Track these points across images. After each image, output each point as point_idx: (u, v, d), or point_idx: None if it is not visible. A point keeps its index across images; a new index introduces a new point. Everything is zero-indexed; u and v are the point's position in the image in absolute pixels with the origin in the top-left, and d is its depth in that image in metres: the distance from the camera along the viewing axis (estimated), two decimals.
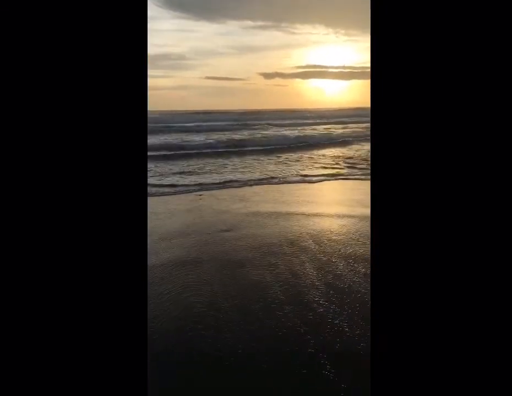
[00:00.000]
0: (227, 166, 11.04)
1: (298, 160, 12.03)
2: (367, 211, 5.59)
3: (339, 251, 4.26)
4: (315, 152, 14.08)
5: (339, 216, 5.67)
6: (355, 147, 15.92)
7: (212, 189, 8.00)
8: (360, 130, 24.52)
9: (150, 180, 8.65)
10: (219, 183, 8.51)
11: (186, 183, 8.58)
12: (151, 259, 4.07)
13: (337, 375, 2.29)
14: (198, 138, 19.24)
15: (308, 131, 24.36)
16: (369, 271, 3.56)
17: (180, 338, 2.68)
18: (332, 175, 9.44)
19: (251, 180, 8.81)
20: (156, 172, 9.81)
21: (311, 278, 3.57)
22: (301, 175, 9.43)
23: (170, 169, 10.45)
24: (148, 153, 11.63)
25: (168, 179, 9.15)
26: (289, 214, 5.81)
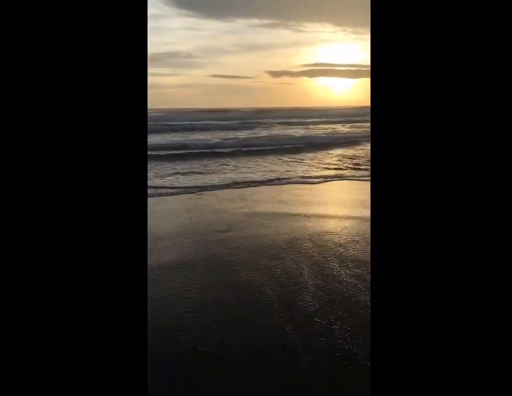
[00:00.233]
0: (230, 166, 10.89)
1: (304, 160, 11.86)
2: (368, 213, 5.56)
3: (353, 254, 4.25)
4: (322, 152, 13.84)
5: (347, 217, 5.63)
6: (365, 147, 15.67)
7: (213, 189, 7.90)
8: (368, 129, 24.26)
9: (149, 181, 8.56)
10: (221, 183, 8.38)
11: (186, 183, 8.45)
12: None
13: (337, 375, 2.29)
14: (203, 137, 19.18)
15: (315, 130, 24.24)
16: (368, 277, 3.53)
17: (174, 338, 2.69)
18: (338, 176, 9.30)
19: (254, 181, 8.66)
20: (157, 174, 9.57)
21: (308, 280, 3.54)
22: (310, 176, 9.22)
23: (173, 169, 10.29)
24: (151, 153, 11.41)
25: (168, 178, 8.99)
26: (290, 215, 5.76)
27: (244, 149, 14.33)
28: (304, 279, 3.58)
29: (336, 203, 6.78)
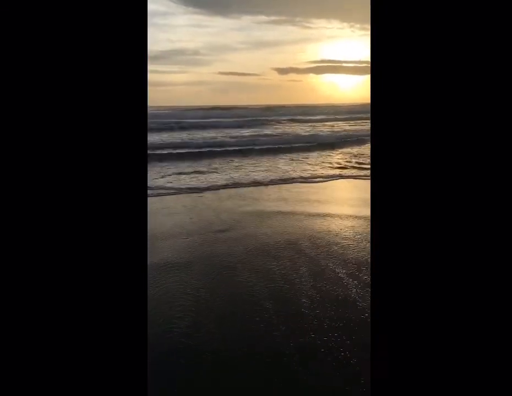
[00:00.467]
0: (235, 165, 10.74)
1: (310, 159, 11.70)
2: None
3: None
4: (329, 151, 13.61)
5: (352, 217, 5.61)
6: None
7: (216, 189, 7.77)
8: None
9: (154, 181, 8.41)
10: (223, 183, 8.23)
11: (188, 182, 8.31)
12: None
13: (337, 375, 2.29)
14: (208, 135, 19.08)
15: (325, 127, 24.09)
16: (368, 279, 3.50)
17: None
18: (344, 175, 9.17)
19: (256, 181, 8.49)
20: (160, 173, 9.43)
21: (307, 284, 3.49)
22: (318, 176, 9.05)
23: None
24: (152, 152, 11.21)
25: (169, 178, 8.82)
26: (291, 214, 5.72)
27: (256, 147, 14.03)
28: (304, 284, 3.56)
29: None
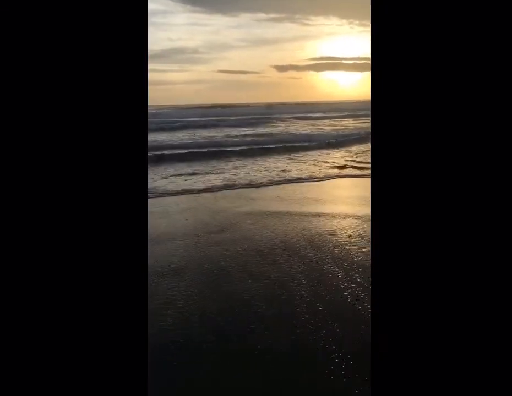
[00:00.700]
0: (235, 165, 10.53)
1: (313, 158, 11.49)
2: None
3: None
4: (331, 149, 13.40)
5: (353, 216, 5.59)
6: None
7: (214, 190, 7.60)
8: None
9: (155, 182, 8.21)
10: (222, 184, 8.06)
11: (187, 184, 8.12)
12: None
13: (337, 375, 2.29)
14: (208, 134, 19.02)
15: (324, 125, 24.01)
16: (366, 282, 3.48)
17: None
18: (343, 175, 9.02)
19: (254, 181, 8.29)
20: (157, 174, 9.19)
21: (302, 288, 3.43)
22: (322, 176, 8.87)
23: (175, 170, 9.89)
24: (150, 153, 10.82)
25: (166, 181, 8.57)
26: (288, 214, 5.66)
27: (262, 146, 13.70)
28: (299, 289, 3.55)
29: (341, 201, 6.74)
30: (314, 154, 12.45)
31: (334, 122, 27.14)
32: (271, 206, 6.16)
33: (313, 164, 10.44)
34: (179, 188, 7.75)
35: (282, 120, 30.06)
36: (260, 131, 20.48)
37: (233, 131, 20.60)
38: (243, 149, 13.30)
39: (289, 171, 9.47)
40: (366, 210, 5.72)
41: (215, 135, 19.03)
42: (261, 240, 4.62)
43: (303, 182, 8.25)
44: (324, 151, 12.99)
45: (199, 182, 8.35)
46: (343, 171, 9.35)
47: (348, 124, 25.46)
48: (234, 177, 8.81)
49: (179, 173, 9.43)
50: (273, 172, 9.35)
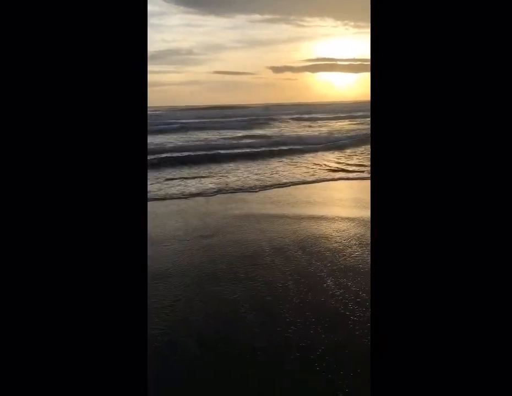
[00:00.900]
0: (228, 168, 10.27)
1: (306, 161, 11.29)
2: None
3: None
4: (323, 152, 13.14)
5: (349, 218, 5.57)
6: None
7: (207, 195, 7.35)
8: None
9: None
10: (215, 187, 7.84)
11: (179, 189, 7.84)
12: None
13: (337, 375, 2.29)
14: (203, 137, 18.85)
15: (320, 128, 23.96)
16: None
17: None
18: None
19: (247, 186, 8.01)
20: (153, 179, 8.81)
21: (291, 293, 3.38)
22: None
23: (168, 173, 9.58)
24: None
25: (160, 185, 8.28)
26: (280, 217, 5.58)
27: (257, 150, 13.33)
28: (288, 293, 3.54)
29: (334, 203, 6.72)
30: (308, 156, 12.25)
31: (329, 124, 27.13)
32: (265, 209, 6.06)
33: (306, 167, 10.25)
34: (170, 192, 7.54)
35: (278, 121, 30.00)
36: (254, 133, 20.34)
37: (228, 133, 20.48)
38: (237, 152, 13.01)
39: (282, 174, 9.25)
40: (358, 212, 5.69)
41: (209, 137, 18.84)
42: (254, 243, 4.57)
43: (298, 185, 8.05)
44: (319, 154, 12.82)
45: (191, 186, 8.11)
46: (336, 174, 9.13)
47: (344, 125, 25.43)
48: (227, 180, 8.59)
49: (171, 177, 9.16)
50: (265, 175, 9.14)
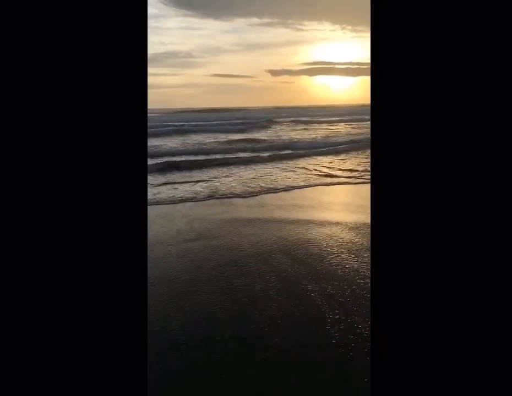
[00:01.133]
0: (221, 173, 10.07)
1: (301, 166, 11.13)
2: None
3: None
4: (319, 157, 12.95)
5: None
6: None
7: (198, 200, 7.22)
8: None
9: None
10: (205, 193, 7.69)
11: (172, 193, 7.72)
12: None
13: (337, 375, 2.29)
14: (199, 141, 18.76)
15: (316, 131, 24.00)
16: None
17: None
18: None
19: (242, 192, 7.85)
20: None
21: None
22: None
23: (163, 178, 9.38)
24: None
25: (156, 189, 8.10)
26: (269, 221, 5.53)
27: (252, 154, 13.17)
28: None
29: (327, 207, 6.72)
30: (303, 161, 12.15)
31: (326, 127, 27.23)
32: (254, 214, 5.97)
33: (301, 171, 10.13)
34: (166, 197, 7.42)
35: (276, 124, 30.07)
36: (251, 136, 20.34)
37: (224, 137, 20.45)
38: (234, 157, 12.86)
39: (276, 179, 9.09)
40: (350, 216, 5.67)
41: (205, 140, 18.74)
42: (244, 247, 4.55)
43: (292, 189, 7.97)
44: (314, 158, 12.72)
45: (184, 191, 7.97)
46: (329, 179, 9.04)
47: (340, 129, 25.50)
48: (219, 185, 8.44)
49: (166, 182, 8.99)
50: (260, 179, 9.01)
